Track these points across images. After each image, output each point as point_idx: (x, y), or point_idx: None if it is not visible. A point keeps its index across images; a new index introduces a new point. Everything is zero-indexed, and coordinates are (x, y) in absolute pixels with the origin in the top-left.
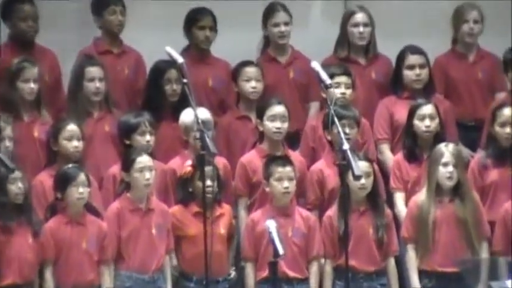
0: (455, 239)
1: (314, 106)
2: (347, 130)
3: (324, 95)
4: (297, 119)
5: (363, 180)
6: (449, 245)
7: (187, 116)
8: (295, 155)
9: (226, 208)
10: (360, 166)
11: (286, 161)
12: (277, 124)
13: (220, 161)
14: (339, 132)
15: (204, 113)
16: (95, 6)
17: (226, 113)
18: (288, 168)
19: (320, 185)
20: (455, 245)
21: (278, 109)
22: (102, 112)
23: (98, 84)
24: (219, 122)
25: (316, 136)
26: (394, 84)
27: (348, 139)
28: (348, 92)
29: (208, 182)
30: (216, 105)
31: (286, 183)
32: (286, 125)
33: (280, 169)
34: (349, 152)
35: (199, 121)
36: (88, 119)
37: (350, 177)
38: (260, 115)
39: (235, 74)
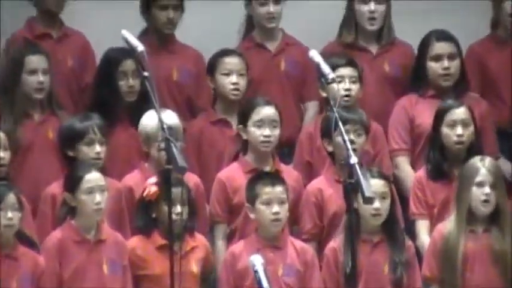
0: (491, 279)
1: (312, 107)
2: (353, 138)
3: (324, 93)
4: (290, 124)
5: (376, 204)
6: (484, 287)
7: (148, 120)
8: (289, 171)
9: (199, 240)
10: (372, 185)
11: (276, 178)
12: (266, 131)
13: (192, 179)
14: (344, 141)
15: (170, 117)
16: None
17: (198, 116)
18: (279, 188)
19: (319, 210)
20: (491, 286)
21: (267, 111)
22: (45, 114)
23: (41, 77)
24: (189, 128)
25: (314, 146)
26: (416, 79)
27: (354, 150)
28: (355, 88)
29: (178, 207)
30: (185, 107)
31: (276, 208)
32: (277, 132)
33: (268, 189)
34: (357, 166)
35: (165, 127)
36: (26, 122)
37: (359, 199)
38: (243, 119)
39: (211, 66)
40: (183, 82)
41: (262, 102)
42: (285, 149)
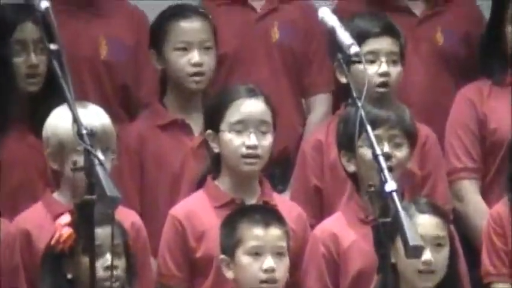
0: None
1: (321, 103)
2: (390, 150)
3: (343, 79)
4: (286, 130)
5: (426, 255)
6: None
7: (59, 121)
8: (285, 204)
9: None
10: (420, 226)
11: (271, 215)
12: (251, 139)
13: (128, 217)
14: (375, 155)
15: (95, 116)
16: None
17: (139, 116)
18: (275, 232)
19: (334, 267)
20: None
21: (251, 107)
22: None
23: None
24: (125, 134)
25: (325, 164)
26: (487, 56)
27: (391, 169)
28: (395, 71)
29: (107, 258)
30: (118, 100)
31: (269, 262)
32: (267, 140)
33: (258, 232)
34: (396, 196)
35: (85, 132)
36: None
37: (399, 249)
38: (213, 121)
39: (156, 35)
40: (115, 61)
41: (243, 92)
42: (277, 170)
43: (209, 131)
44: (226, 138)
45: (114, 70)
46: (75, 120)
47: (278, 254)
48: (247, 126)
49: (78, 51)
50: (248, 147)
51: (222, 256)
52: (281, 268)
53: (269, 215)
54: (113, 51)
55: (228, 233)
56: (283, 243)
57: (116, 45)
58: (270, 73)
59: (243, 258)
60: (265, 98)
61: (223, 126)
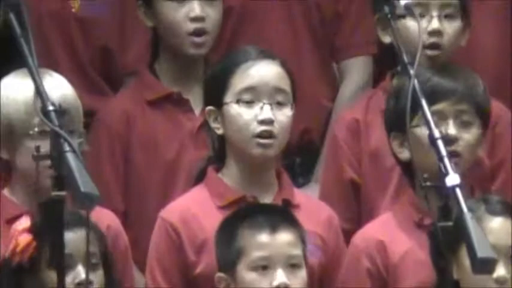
0: None
1: (358, 68)
2: (454, 131)
3: (386, 38)
4: (311, 104)
5: (500, 271)
6: None
7: (13, 92)
8: (310, 203)
9: None
10: (493, 232)
11: (281, 217)
12: (264, 112)
13: (104, 218)
14: (432, 139)
15: (62, 88)
16: None
17: (121, 89)
18: (286, 237)
19: (382, 284)
20: None
21: (264, 71)
22: None
23: None
24: (105, 112)
25: (365, 150)
26: None
27: (456, 156)
28: (449, 29)
29: (79, 271)
30: (96, 67)
31: (281, 277)
32: (286, 116)
33: (264, 238)
34: (460, 193)
35: (50, 109)
36: None
37: (464, 262)
38: (215, 92)
39: None
40: (91, 17)
41: (253, 53)
42: (299, 159)
43: (210, 107)
44: (232, 111)
45: (90, 28)
46: (39, 93)
47: (291, 266)
48: (259, 95)
49: (42, 4)
50: (261, 122)
51: (219, 274)
52: (296, 284)
53: (276, 215)
54: (89, 3)
55: (226, 242)
56: (298, 252)
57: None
58: (288, 31)
59: (247, 275)
60: (281, 61)
61: (228, 97)
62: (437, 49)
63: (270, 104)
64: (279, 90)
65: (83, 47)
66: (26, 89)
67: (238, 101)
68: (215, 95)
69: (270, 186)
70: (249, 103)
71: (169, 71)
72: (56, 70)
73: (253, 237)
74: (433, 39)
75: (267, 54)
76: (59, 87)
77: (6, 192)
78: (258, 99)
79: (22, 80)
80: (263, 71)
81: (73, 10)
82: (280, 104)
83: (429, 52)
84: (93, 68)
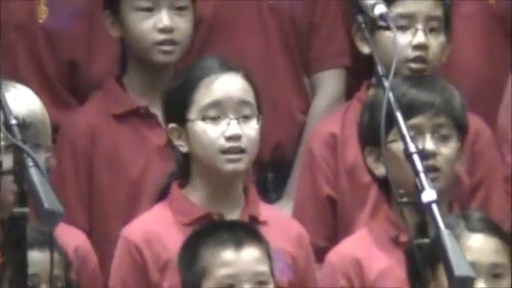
0: None
1: (331, 80)
2: (431, 146)
3: (364, 48)
4: (284, 117)
5: None
6: None
7: None
8: (282, 220)
9: None
10: (471, 249)
11: (246, 233)
12: (230, 128)
13: (72, 238)
14: (407, 153)
15: (26, 101)
16: None
17: (87, 102)
18: (252, 254)
19: None
20: None
21: (227, 85)
22: None
23: None
24: (68, 126)
25: (341, 165)
26: None
27: (434, 170)
28: (434, 43)
29: None
30: (62, 80)
31: None
32: (252, 128)
33: (229, 256)
34: (436, 209)
35: (13, 123)
36: None
37: (441, 281)
38: (176, 109)
39: None
40: (58, 28)
41: (214, 66)
42: (271, 174)
43: (173, 125)
44: (197, 129)
45: (57, 40)
46: (1, 106)
47: (259, 283)
48: (224, 110)
49: (7, 14)
50: (229, 138)
51: None
52: None
53: (241, 231)
54: (56, 14)
55: (189, 263)
56: (265, 268)
57: (59, 6)
58: (261, 43)
59: None
60: (244, 72)
61: (192, 113)
62: (422, 63)
63: (237, 119)
64: (244, 103)
65: (49, 59)
66: None
67: (203, 118)
68: (177, 112)
69: (237, 202)
70: (215, 119)
71: (137, 83)
72: (21, 82)
73: (217, 255)
74: (418, 53)
75: (229, 66)
76: (25, 99)
77: None
78: (224, 114)
79: None
80: (227, 85)
81: (40, 21)
82: (246, 117)
83: (413, 66)
84: (59, 81)
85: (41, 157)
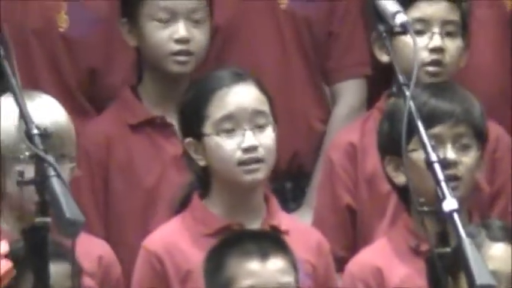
0: None
1: (351, 90)
2: (452, 155)
3: (383, 57)
4: (302, 127)
5: None
6: None
7: (3, 118)
8: (302, 229)
9: None
10: (493, 259)
11: (272, 244)
12: (246, 139)
13: (95, 248)
14: (429, 162)
15: (44, 112)
16: None
17: (105, 111)
18: (277, 264)
19: None
20: None
21: (240, 96)
22: None
23: None
24: (84, 135)
25: (360, 174)
26: None
27: (455, 179)
28: (451, 47)
29: None
30: (82, 89)
31: None
32: (269, 138)
33: (254, 266)
34: (457, 218)
35: (34, 132)
36: None
37: None
38: (192, 123)
39: (129, 2)
40: (78, 37)
41: (226, 78)
42: (290, 184)
43: (189, 139)
44: (213, 143)
45: (76, 48)
46: (23, 116)
47: None
48: (239, 122)
49: (27, 22)
50: (245, 150)
51: None
52: None
53: (267, 241)
54: (77, 22)
55: (214, 272)
56: (289, 279)
57: (79, 15)
58: (278, 52)
59: None
60: (256, 82)
61: (207, 128)
62: (438, 66)
63: (252, 129)
64: (258, 113)
65: (68, 68)
66: (14, 114)
67: (218, 132)
68: (193, 126)
69: (258, 212)
70: (230, 131)
71: (152, 93)
72: (40, 90)
73: (242, 266)
74: (434, 56)
75: (240, 77)
76: (49, 109)
77: None
78: (238, 126)
79: (12, 103)
80: (239, 97)
81: (60, 30)
82: (261, 127)
83: (430, 69)
84: (78, 90)
85: (66, 167)
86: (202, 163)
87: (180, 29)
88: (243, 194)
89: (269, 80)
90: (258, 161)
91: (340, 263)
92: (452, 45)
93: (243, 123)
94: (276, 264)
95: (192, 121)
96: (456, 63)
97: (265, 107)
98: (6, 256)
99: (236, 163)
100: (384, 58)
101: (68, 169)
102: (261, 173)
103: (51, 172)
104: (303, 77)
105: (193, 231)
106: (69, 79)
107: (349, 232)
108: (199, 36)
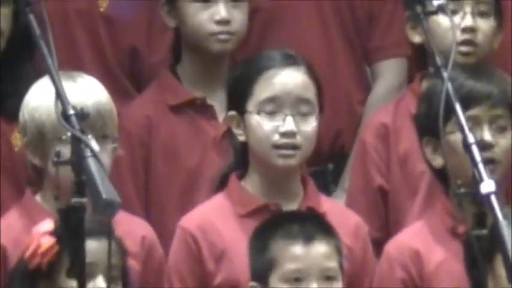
0: None
1: (388, 71)
2: (489, 137)
3: (417, 38)
4: (342, 110)
5: None
6: None
7: (38, 100)
8: (340, 211)
9: None
10: None
11: (316, 226)
12: (286, 124)
13: (138, 229)
14: (466, 144)
15: (85, 92)
16: None
17: (143, 92)
18: (322, 248)
19: None
20: None
21: (287, 80)
22: None
23: None
24: (124, 115)
25: (395, 156)
26: None
27: (492, 162)
28: (484, 26)
29: (99, 282)
30: (122, 69)
31: None
32: (310, 125)
33: (298, 250)
34: (495, 201)
35: (72, 113)
36: None
37: (500, 272)
38: (237, 98)
39: None
40: (119, 17)
41: (277, 60)
42: (331, 165)
43: (232, 113)
44: (253, 121)
45: (118, 28)
46: (59, 96)
47: (327, 279)
48: (281, 105)
49: (70, 2)
50: (283, 134)
51: (252, 283)
52: None
53: (311, 225)
54: (117, 2)
55: (258, 252)
56: (333, 264)
57: None
58: (320, 33)
59: (279, 286)
60: (307, 68)
61: (250, 105)
62: (471, 46)
63: (293, 115)
64: (302, 100)
65: (110, 48)
66: (50, 94)
67: (259, 111)
68: (238, 101)
69: (295, 193)
70: (271, 113)
71: (192, 73)
72: (82, 70)
73: (286, 249)
74: (466, 36)
75: (291, 60)
76: (92, 90)
77: (38, 198)
78: (280, 109)
79: (50, 86)
80: (286, 80)
81: (100, 9)
82: (303, 115)
83: (462, 48)
84: (120, 69)
85: (108, 148)
86: (242, 138)
87: (221, 10)
88: (278, 176)
89: (311, 61)
90: (294, 147)
91: (374, 245)
92: (485, 25)
93: (285, 108)
94: (320, 248)
95: (238, 96)
96: (489, 43)
97: (311, 95)
98: (51, 234)
99: (271, 145)
100: (416, 39)
101: (110, 149)
102: (295, 160)
103: (88, 153)
104: (345, 58)
105: (229, 211)
106: (110, 59)
107: (382, 213)
108: (239, 16)
